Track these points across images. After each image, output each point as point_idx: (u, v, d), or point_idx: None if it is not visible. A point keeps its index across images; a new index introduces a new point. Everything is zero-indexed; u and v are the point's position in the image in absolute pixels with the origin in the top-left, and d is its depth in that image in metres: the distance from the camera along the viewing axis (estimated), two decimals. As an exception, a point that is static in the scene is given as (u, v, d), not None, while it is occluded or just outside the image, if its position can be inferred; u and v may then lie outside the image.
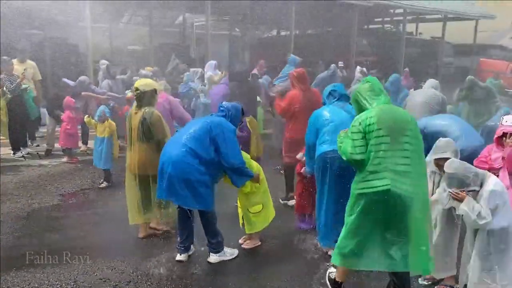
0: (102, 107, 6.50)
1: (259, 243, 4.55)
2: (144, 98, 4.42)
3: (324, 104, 4.44)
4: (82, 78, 8.43)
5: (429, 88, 6.52)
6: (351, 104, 3.83)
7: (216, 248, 4.17)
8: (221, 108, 4.24)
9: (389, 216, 3.07)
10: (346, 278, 3.54)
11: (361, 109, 3.33)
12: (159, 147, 4.29)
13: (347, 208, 3.30)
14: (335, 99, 4.31)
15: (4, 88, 7.49)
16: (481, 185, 3.17)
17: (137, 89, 4.45)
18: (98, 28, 16.28)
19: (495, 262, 3.16)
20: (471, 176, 3.15)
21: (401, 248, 3.07)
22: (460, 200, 3.15)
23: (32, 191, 6.10)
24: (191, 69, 10.34)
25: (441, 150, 3.57)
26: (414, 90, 7.88)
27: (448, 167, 3.25)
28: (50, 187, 6.27)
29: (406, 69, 12.45)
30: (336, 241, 3.42)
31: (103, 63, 9.46)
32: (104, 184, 6.34)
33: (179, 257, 4.18)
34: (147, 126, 4.35)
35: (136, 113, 4.44)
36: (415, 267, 3.15)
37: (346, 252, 3.24)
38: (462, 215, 3.22)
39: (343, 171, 3.87)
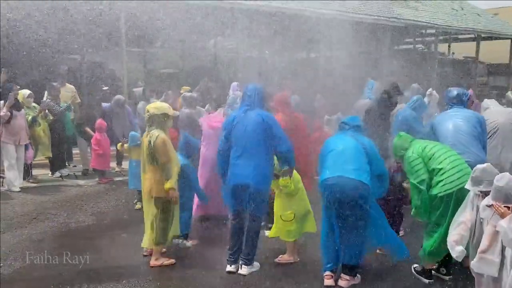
0: (134, 134, 6.49)
1: (293, 260, 4.57)
2: (154, 121, 4.41)
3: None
4: (117, 97, 8.75)
5: (495, 107, 6.09)
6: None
7: (250, 261, 4.32)
8: (248, 94, 4.34)
9: None
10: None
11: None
12: (164, 170, 4.35)
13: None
14: (347, 130, 4.28)
15: (47, 111, 7.82)
16: None
17: (147, 111, 4.48)
18: (133, 52, 16.82)
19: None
20: None
21: None
22: (502, 215, 3.05)
23: (69, 210, 6.27)
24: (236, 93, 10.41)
25: (486, 178, 3.45)
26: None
27: (498, 180, 3.19)
28: (86, 207, 6.43)
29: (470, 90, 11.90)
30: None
31: (138, 89, 9.74)
32: (140, 205, 6.43)
33: (229, 268, 4.34)
34: (151, 149, 4.34)
35: (146, 136, 4.46)
36: None
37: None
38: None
39: (342, 198, 3.91)
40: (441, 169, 3.89)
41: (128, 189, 6.76)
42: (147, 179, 4.46)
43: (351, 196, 3.86)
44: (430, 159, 3.97)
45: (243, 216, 4.35)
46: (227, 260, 4.38)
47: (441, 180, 3.87)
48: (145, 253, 4.73)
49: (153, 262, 4.51)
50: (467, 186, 3.56)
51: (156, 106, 4.56)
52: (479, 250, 3.39)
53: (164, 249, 4.68)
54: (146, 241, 4.60)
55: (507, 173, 3.30)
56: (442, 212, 3.89)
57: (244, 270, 4.30)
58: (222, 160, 4.39)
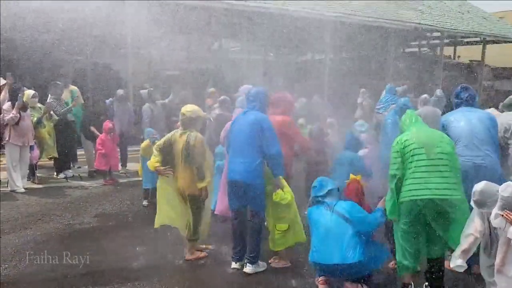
0: (150, 130, 6.57)
1: (289, 264, 4.56)
2: (190, 123, 4.63)
3: None
4: (119, 91, 8.86)
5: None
6: None
7: (254, 260, 4.38)
8: (251, 97, 4.51)
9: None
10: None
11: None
12: (199, 170, 4.53)
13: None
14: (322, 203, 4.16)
15: (52, 112, 7.83)
16: None
17: (183, 114, 4.64)
18: (138, 54, 16.86)
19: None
20: None
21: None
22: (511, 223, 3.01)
23: (73, 212, 6.26)
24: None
25: (488, 199, 3.38)
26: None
27: (503, 190, 3.15)
28: (91, 209, 6.42)
29: None
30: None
31: (143, 90, 9.78)
32: (146, 202, 6.49)
33: (234, 265, 4.48)
34: (190, 149, 4.53)
35: (181, 136, 4.62)
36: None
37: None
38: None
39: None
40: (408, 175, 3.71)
41: (130, 190, 6.77)
42: (181, 178, 4.63)
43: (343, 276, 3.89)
44: (407, 159, 3.73)
45: (242, 213, 4.48)
46: (232, 257, 4.54)
47: (406, 186, 3.71)
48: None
49: (188, 256, 4.73)
50: (472, 204, 3.46)
51: (192, 109, 4.72)
52: (496, 262, 3.35)
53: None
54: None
55: (511, 182, 3.25)
56: (403, 219, 3.75)
57: (248, 268, 4.37)
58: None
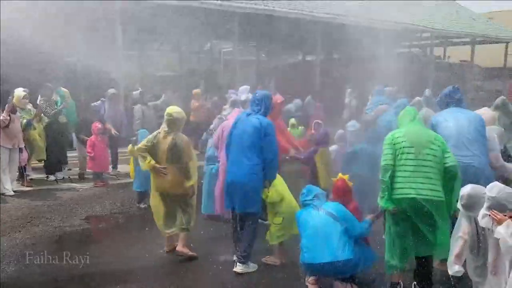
0: (144, 131, 6.51)
1: (278, 263, 4.59)
2: (175, 124, 4.68)
3: None
4: (110, 90, 8.86)
5: None
6: None
7: (245, 259, 4.42)
8: (257, 100, 4.58)
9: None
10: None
11: None
12: (185, 169, 4.64)
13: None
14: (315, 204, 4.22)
15: (42, 114, 7.77)
16: None
17: (171, 115, 4.67)
18: (129, 56, 16.79)
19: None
20: None
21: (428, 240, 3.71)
22: (499, 222, 3.03)
23: (64, 214, 6.23)
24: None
25: (476, 202, 3.38)
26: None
27: (490, 190, 3.16)
28: (81, 211, 6.39)
29: None
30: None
31: (135, 92, 9.74)
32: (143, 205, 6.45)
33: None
34: (177, 150, 4.59)
35: (165, 137, 4.64)
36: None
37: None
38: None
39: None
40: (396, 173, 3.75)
41: (121, 192, 6.75)
42: (164, 178, 4.66)
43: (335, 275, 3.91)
44: (397, 155, 3.77)
45: (241, 214, 4.54)
46: (236, 255, 4.53)
47: (393, 183, 3.75)
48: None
49: (179, 248, 4.73)
50: (459, 207, 3.47)
51: (179, 110, 4.80)
52: (489, 263, 3.35)
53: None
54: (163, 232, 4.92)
55: (497, 182, 3.27)
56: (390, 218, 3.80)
57: (238, 268, 4.42)
58: (226, 158, 4.74)
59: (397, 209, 3.76)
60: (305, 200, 4.20)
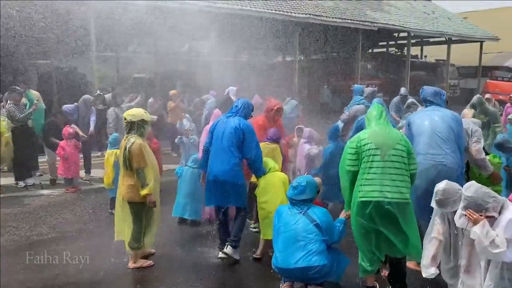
0: (116, 135, 6.37)
1: (259, 257, 4.74)
2: (132, 127, 4.49)
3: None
4: (86, 96, 8.61)
5: None
6: None
7: (236, 244, 4.67)
8: (238, 105, 4.83)
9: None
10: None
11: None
12: (139, 175, 4.40)
13: None
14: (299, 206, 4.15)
15: (10, 118, 7.50)
16: (500, 212, 3.01)
17: (124, 118, 4.54)
18: (105, 57, 16.50)
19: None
20: (490, 201, 3.01)
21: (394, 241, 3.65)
22: (474, 222, 2.99)
23: (32, 222, 6.00)
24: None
25: (450, 198, 3.37)
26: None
27: (466, 189, 3.11)
28: (50, 219, 6.16)
29: None
30: None
31: (108, 94, 9.51)
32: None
33: (221, 254, 4.67)
34: (126, 154, 4.43)
35: (124, 141, 4.54)
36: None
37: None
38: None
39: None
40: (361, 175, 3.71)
41: (93, 197, 6.52)
42: (121, 185, 4.57)
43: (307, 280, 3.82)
44: (363, 158, 3.72)
45: (223, 210, 4.84)
46: (218, 248, 4.83)
47: (358, 186, 3.71)
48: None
49: (131, 264, 4.58)
50: (433, 205, 3.44)
51: (133, 113, 4.58)
52: (462, 263, 3.33)
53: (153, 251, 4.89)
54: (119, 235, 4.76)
55: (474, 182, 3.23)
56: (356, 221, 3.74)
57: (229, 249, 4.62)
58: (205, 157, 4.86)
59: (348, 214, 3.86)
60: (293, 199, 3.98)
